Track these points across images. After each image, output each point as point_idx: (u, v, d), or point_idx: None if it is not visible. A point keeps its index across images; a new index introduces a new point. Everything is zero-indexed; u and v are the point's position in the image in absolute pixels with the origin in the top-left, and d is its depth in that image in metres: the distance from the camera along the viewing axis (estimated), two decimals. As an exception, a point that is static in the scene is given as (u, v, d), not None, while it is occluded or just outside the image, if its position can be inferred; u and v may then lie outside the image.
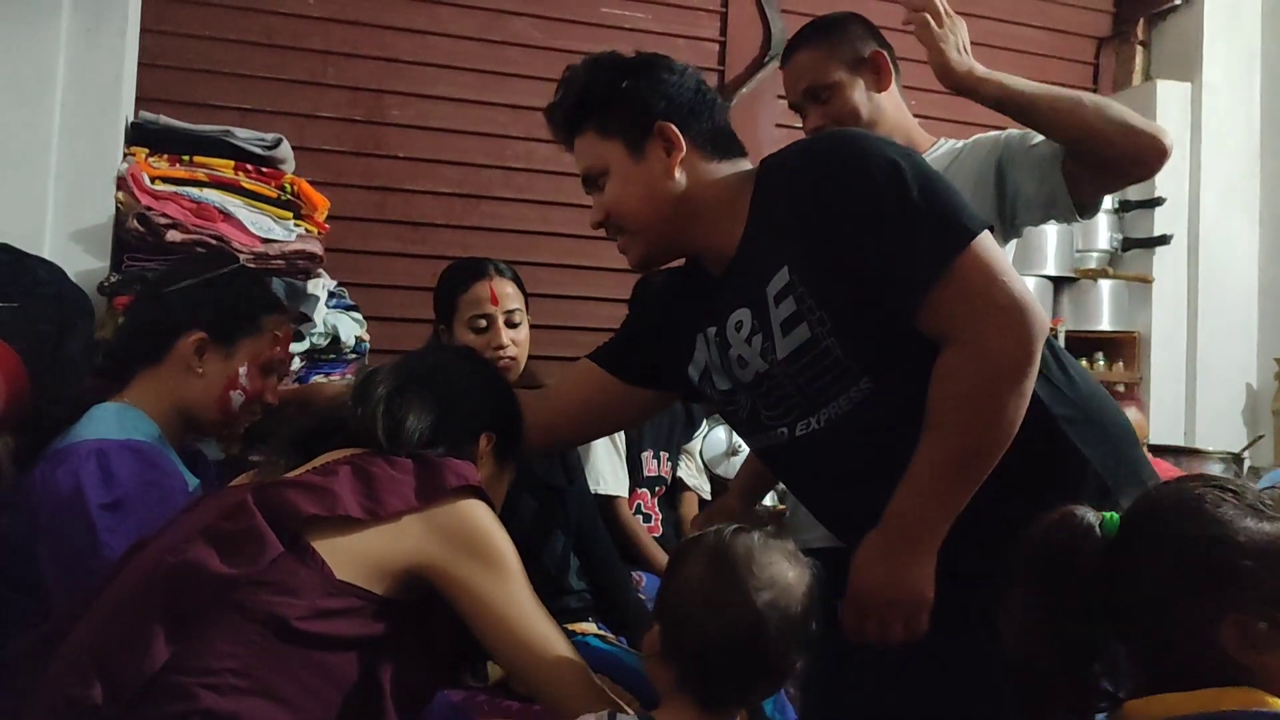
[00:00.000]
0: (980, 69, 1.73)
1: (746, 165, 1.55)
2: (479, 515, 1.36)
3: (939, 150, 1.96)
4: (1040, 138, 1.81)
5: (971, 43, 1.79)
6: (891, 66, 1.94)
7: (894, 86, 1.95)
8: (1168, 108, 4.08)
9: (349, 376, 2.62)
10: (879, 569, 1.33)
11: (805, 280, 1.39)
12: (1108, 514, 1.10)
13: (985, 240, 1.34)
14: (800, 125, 1.98)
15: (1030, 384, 1.32)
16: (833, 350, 1.38)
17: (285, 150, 2.81)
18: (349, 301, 2.84)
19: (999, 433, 1.31)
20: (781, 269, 1.40)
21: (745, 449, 2.93)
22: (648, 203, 1.49)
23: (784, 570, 1.27)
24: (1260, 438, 3.87)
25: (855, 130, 1.50)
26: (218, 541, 1.26)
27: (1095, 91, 4.25)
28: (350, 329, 2.74)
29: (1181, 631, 1.01)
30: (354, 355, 2.73)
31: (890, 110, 1.93)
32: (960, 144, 1.95)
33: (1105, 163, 1.73)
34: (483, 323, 2.24)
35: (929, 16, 1.73)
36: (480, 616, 1.34)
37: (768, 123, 3.69)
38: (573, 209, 3.40)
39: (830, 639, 1.38)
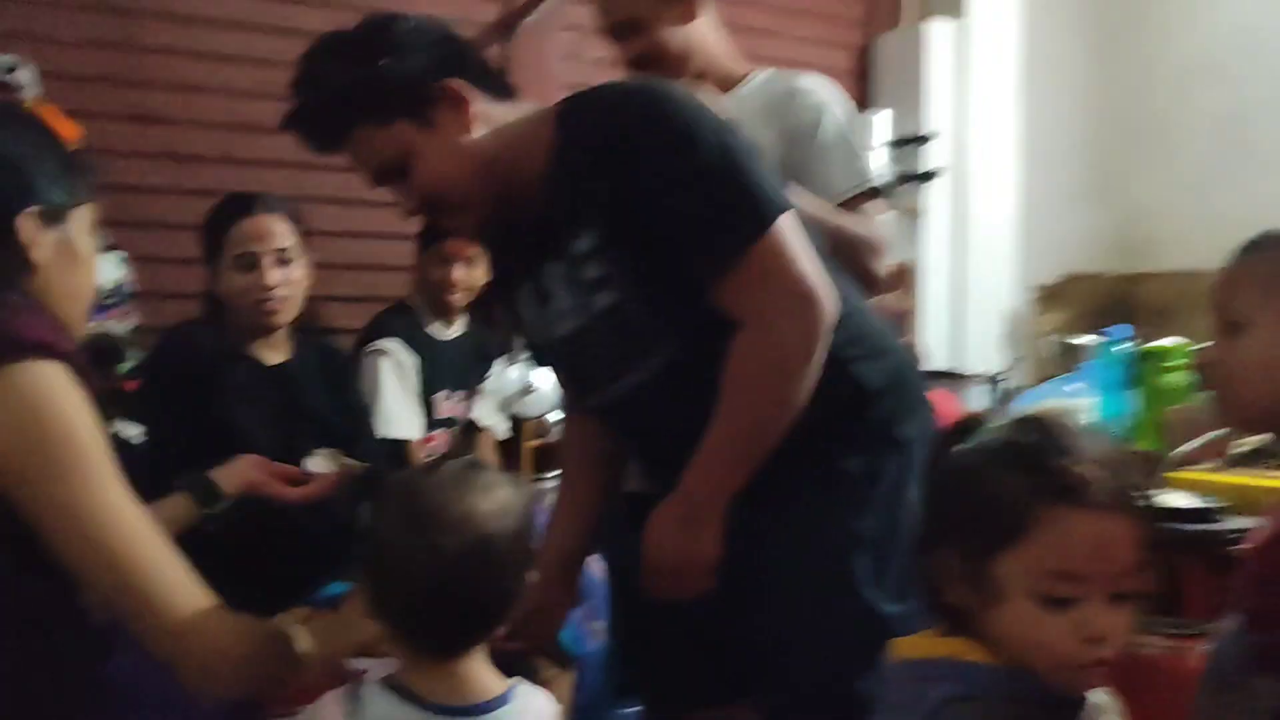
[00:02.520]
0: None
1: (526, 105, 1.50)
2: (28, 382, 1.05)
3: (753, 82, 1.92)
4: (829, 159, 1.84)
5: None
6: None
7: (707, 15, 1.89)
8: (939, 45, 4.26)
9: (109, 322, 2.44)
10: (672, 540, 1.38)
11: (611, 244, 1.38)
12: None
13: (784, 224, 1.35)
14: (591, 57, 1.93)
15: (815, 367, 1.36)
16: (637, 316, 1.39)
17: (26, 75, 2.59)
18: (106, 240, 2.64)
19: (783, 413, 1.36)
20: (588, 231, 1.39)
21: (540, 387, 2.91)
22: (460, 167, 1.42)
23: (475, 506, 1.18)
24: (1019, 360, 4.15)
25: (659, 90, 1.42)
26: None
27: (870, 31, 4.38)
28: (108, 271, 2.55)
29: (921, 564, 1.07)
30: (113, 300, 2.54)
31: (702, 42, 1.88)
32: (778, 80, 1.90)
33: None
34: (249, 262, 2.09)
35: None
36: (47, 520, 1.05)
37: (554, 55, 3.60)
38: (353, 142, 3.27)
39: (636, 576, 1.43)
